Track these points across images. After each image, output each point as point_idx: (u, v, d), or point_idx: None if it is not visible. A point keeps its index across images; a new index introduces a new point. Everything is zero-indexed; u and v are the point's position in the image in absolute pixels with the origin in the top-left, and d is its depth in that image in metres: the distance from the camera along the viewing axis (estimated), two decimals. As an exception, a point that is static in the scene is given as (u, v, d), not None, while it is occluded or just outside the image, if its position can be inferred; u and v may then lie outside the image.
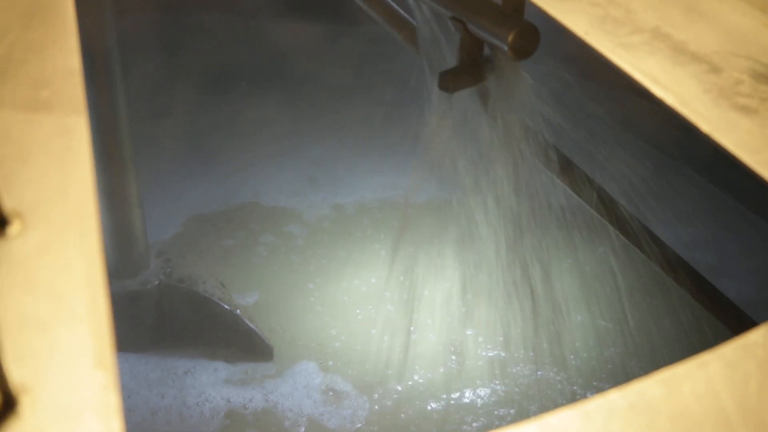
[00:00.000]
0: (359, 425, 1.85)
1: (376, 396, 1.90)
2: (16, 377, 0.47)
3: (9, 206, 0.55)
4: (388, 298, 2.01)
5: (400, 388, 1.90)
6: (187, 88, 2.47)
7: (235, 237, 2.24)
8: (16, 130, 0.59)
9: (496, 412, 1.86)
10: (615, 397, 0.50)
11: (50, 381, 0.47)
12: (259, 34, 2.62)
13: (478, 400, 1.88)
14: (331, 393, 1.92)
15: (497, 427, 1.78)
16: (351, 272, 2.16)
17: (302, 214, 2.31)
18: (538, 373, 1.89)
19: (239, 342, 1.99)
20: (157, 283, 1.96)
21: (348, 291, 2.12)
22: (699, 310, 1.25)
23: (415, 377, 1.93)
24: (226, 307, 1.98)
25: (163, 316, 1.99)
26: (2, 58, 0.64)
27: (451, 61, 1.13)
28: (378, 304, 2.06)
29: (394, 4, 1.31)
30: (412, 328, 1.97)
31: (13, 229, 0.54)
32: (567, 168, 1.23)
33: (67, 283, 0.52)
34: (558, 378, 1.90)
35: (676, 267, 1.25)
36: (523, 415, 1.85)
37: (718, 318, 1.20)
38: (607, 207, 1.26)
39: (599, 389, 1.87)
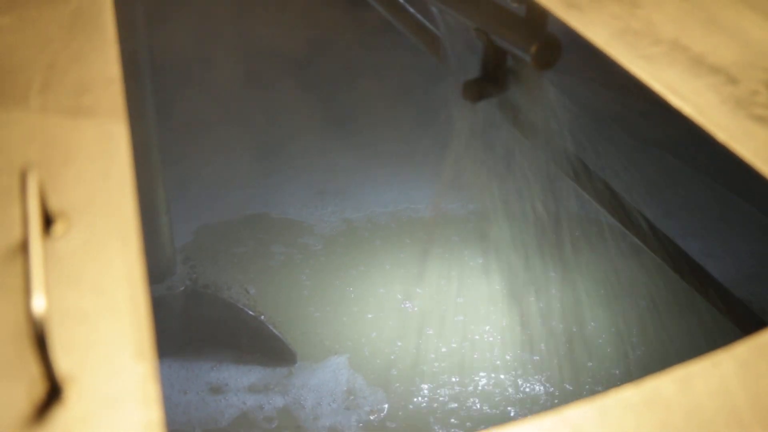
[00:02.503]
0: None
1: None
2: (62, 366, 0.49)
3: (54, 207, 0.58)
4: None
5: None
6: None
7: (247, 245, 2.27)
8: (60, 134, 0.62)
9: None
10: (630, 393, 0.52)
11: (93, 371, 0.50)
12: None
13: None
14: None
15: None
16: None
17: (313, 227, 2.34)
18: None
19: (263, 347, 2.02)
20: (183, 288, 1.99)
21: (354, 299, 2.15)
22: (710, 310, 1.27)
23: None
24: (250, 313, 2.01)
25: (188, 321, 2.02)
26: (47, 67, 0.67)
27: (474, 71, 1.15)
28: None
29: (418, 15, 1.34)
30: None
31: (59, 228, 0.57)
32: (587, 176, 1.25)
33: (108, 279, 0.54)
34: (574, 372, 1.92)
35: (688, 269, 1.27)
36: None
37: (729, 318, 1.22)
38: (625, 213, 1.28)
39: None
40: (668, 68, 0.77)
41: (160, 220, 1.90)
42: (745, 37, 0.81)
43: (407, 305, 2.09)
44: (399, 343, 2.01)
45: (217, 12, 2.60)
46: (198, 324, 2.03)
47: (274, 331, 2.02)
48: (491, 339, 1.98)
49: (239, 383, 1.97)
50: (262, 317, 2.02)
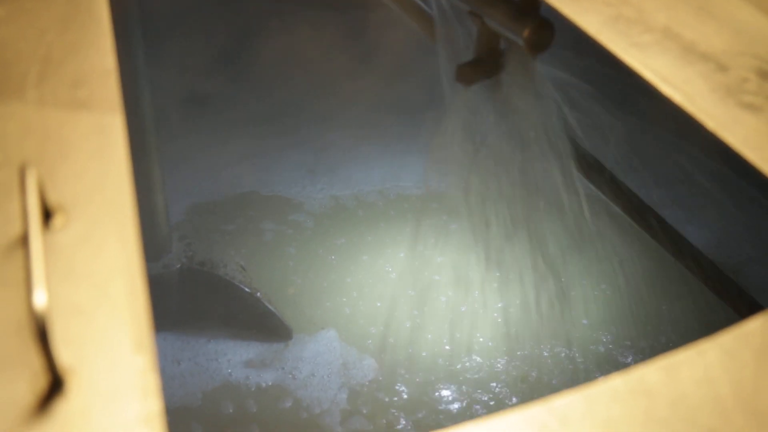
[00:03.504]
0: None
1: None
2: (63, 359, 0.50)
3: (53, 200, 0.58)
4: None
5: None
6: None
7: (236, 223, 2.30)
8: (56, 128, 0.63)
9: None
10: (617, 382, 0.53)
11: (94, 364, 0.51)
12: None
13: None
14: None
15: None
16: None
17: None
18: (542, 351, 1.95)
19: (259, 324, 2.04)
20: (179, 266, 2.01)
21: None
22: (709, 295, 1.28)
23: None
24: (246, 290, 2.02)
25: (184, 298, 2.03)
26: (42, 59, 0.68)
27: (467, 53, 1.16)
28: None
29: (412, -5, 1.34)
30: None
31: (57, 221, 0.58)
32: (581, 158, 1.26)
33: (107, 272, 0.56)
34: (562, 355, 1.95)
35: (688, 254, 1.28)
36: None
37: (728, 304, 1.23)
38: (620, 195, 1.29)
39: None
40: (659, 56, 0.78)
41: (156, 198, 1.91)
42: (736, 25, 0.82)
43: (388, 269, 2.14)
44: (378, 304, 2.06)
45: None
46: (194, 301, 2.05)
47: (270, 307, 2.04)
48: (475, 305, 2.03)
49: (236, 358, 2.00)
50: (258, 294, 2.04)
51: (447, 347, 1.98)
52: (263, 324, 2.05)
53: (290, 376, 1.96)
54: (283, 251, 2.23)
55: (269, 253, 2.21)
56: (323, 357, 2.00)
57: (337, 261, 2.19)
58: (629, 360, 1.94)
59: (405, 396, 1.91)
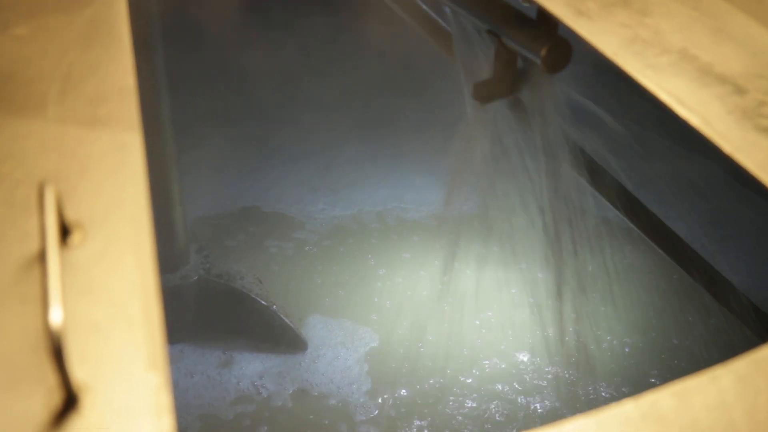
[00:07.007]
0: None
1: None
2: (78, 376, 0.51)
3: (71, 217, 0.59)
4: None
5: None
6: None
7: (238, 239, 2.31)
8: (76, 145, 0.64)
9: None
10: (629, 407, 0.53)
11: (108, 381, 0.51)
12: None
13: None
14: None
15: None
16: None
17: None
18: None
19: (275, 336, 2.05)
20: (196, 278, 2.02)
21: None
22: (725, 313, 1.27)
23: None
24: (263, 302, 2.03)
25: (202, 310, 2.04)
26: (63, 78, 0.69)
27: (484, 71, 1.16)
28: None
29: (431, 12, 1.34)
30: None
31: (75, 239, 0.58)
32: (599, 175, 1.25)
33: (123, 289, 0.56)
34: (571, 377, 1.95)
35: (705, 273, 1.28)
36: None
37: (743, 322, 1.22)
38: (638, 214, 1.29)
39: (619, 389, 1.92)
40: (675, 78, 0.78)
41: (175, 211, 1.92)
42: (753, 47, 0.82)
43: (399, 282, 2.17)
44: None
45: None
46: (211, 313, 2.05)
47: (286, 319, 2.04)
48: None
49: (250, 369, 2.01)
50: (274, 306, 2.04)
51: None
52: (279, 336, 2.05)
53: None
54: (283, 266, 2.24)
55: (273, 267, 2.23)
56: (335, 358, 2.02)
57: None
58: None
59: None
